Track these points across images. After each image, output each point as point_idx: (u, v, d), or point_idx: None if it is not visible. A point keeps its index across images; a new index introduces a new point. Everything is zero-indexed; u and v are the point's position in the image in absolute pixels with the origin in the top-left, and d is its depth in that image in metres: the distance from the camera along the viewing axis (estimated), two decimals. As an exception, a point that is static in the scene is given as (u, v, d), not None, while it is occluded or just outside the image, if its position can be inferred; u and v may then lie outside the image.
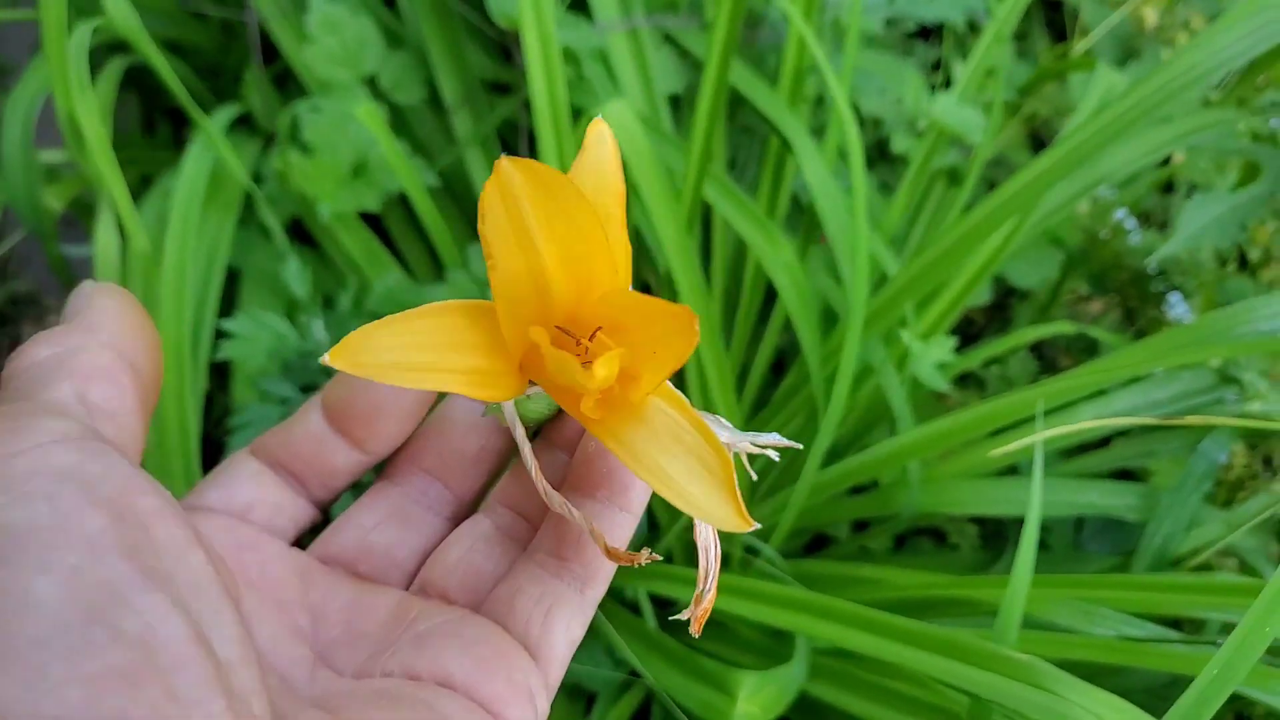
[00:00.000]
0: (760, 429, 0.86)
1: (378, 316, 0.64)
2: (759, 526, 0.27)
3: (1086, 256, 1.04)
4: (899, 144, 0.84)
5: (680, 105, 0.81)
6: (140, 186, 0.87)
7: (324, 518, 0.38)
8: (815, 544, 0.96)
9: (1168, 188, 1.14)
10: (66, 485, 0.24)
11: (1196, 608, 0.65)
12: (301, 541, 0.37)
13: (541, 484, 0.33)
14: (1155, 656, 0.61)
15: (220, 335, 0.67)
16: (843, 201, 0.70)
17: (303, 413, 0.36)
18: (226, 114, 0.77)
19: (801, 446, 0.36)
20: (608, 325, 0.30)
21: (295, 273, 0.66)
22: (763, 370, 0.86)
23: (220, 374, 0.71)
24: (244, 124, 0.88)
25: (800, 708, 0.64)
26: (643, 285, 0.78)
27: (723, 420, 0.35)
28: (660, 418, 0.30)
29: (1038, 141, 1.18)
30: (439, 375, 0.29)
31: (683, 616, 0.31)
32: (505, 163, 0.28)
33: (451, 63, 0.77)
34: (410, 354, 0.29)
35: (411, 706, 0.30)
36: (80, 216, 1.02)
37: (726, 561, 0.83)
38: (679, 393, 0.30)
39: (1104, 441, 0.91)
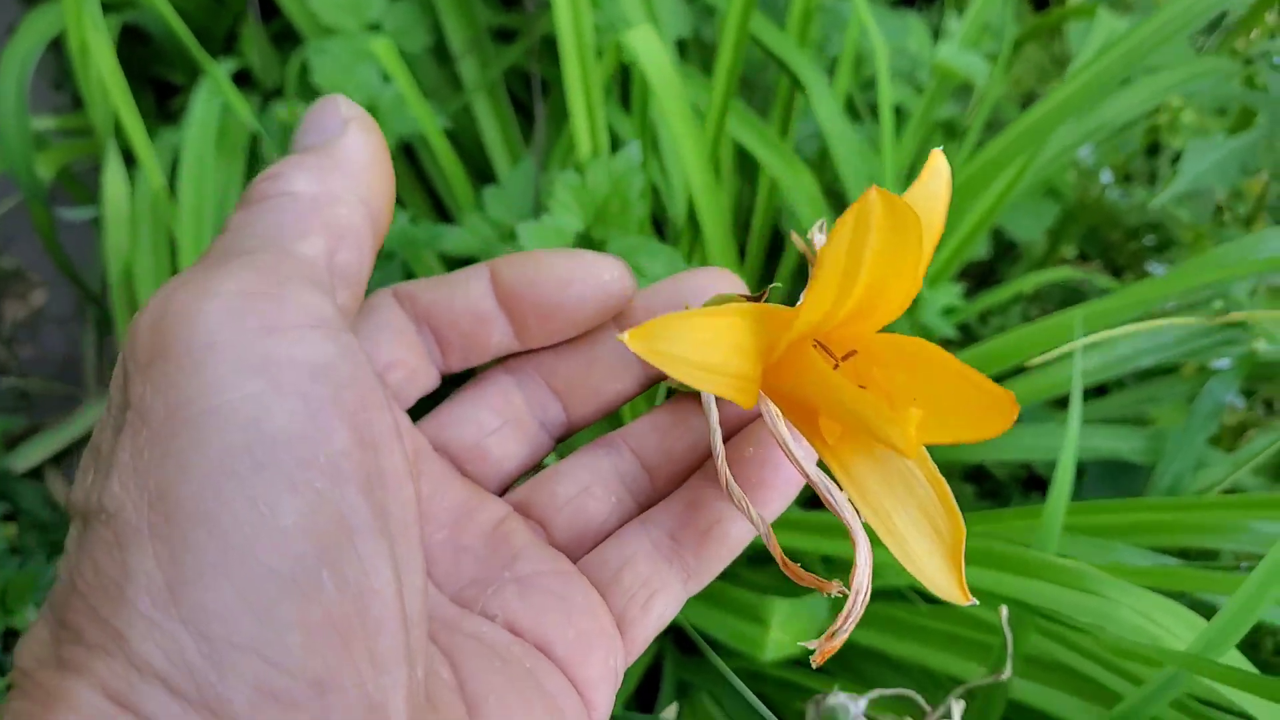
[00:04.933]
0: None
1: (392, 257, 0.64)
2: (975, 603, 0.26)
3: (1075, 216, 1.05)
4: (898, 93, 0.85)
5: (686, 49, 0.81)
6: (128, 153, 0.86)
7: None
8: (818, 501, 0.96)
9: (1151, 150, 1.16)
10: (320, 386, 0.24)
11: (1216, 533, 0.65)
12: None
13: (725, 474, 0.31)
14: (1182, 578, 0.61)
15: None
16: (855, 143, 0.70)
17: (467, 277, 0.33)
18: (229, 65, 0.76)
19: None
20: (867, 354, 0.28)
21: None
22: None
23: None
24: (242, 82, 0.87)
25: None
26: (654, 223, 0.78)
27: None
28: (896, 461, 0.28)
29: (1024, 104, 1.19)
30: (718, 378, 0.27)
31: (810, 645, 0.29)
32: (874, 194, 0.25)
33: (458, 8, 0.76)
34: (705, 352, 0.27)
35: (523, 678, 0.29)
36: (66, 186, 1.00)
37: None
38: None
39: (1100, 391, 0.92)
